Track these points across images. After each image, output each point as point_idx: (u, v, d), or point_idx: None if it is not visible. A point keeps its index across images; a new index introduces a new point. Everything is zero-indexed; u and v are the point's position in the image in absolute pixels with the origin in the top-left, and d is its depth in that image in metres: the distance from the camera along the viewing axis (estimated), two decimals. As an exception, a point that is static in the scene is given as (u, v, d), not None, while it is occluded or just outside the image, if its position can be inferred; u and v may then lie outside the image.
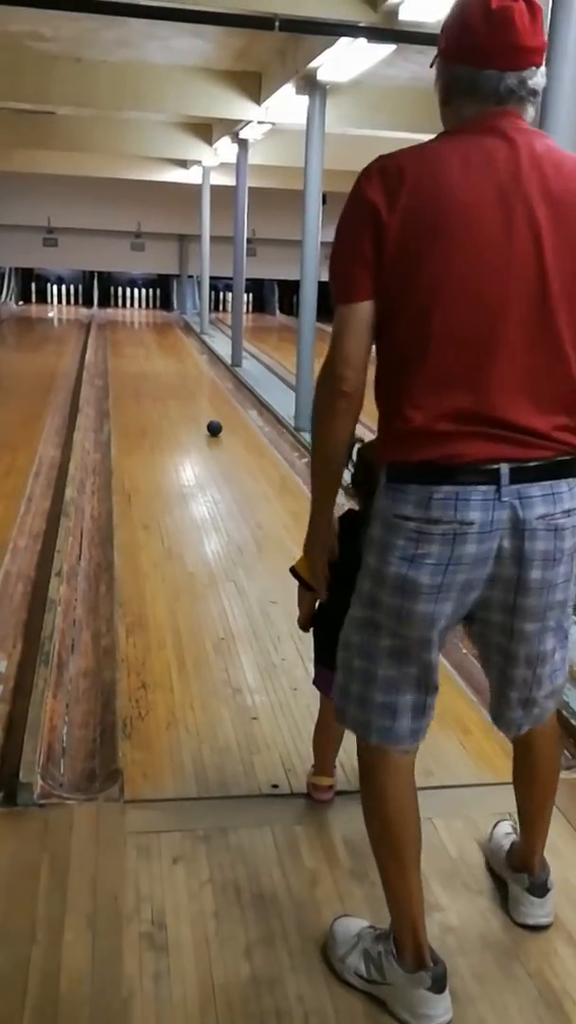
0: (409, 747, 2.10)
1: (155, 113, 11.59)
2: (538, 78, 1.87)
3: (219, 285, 19.14)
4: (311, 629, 2.85)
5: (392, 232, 1.79)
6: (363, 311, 1.85)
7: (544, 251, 1.79)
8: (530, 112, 1.91)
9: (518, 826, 2.51)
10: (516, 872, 2.44)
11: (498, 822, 2.67)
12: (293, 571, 2.80)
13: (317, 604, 2.81)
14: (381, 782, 2.09)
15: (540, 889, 2.40)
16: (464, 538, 1.86)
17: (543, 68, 1.89)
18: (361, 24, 5.89)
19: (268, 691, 3.59)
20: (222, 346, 14.11)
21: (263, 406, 9.54)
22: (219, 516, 5.89)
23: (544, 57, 1.88)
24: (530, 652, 2.04)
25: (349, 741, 2.92)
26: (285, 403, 9.24)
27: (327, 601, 2.76)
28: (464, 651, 3.83)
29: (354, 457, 2.67)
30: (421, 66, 8.44)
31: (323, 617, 2.79)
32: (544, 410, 1.85)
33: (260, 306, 20.59)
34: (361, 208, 1.82)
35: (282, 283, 20.75)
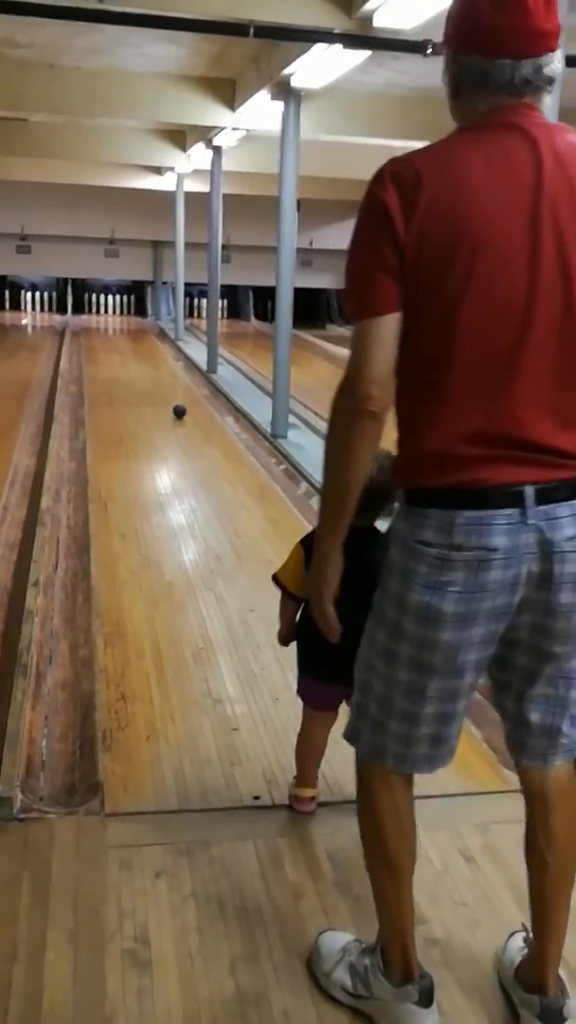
0: (422, 772, 2.04)
1: (129, 120, 11.59)
2: (555, 64, 1.72)
3: (193, 291, 19.13)
4: (295, 640, 2.83)
5: (410, 243, 1.67)
6: (389, 324, 1.72)
7: (570, 260, 1.68)
8: (547, 101, 1.76)
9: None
10: (527, 993, 2.08)
11: (513, 933, 2.33)
12: (276, 579, 2.79)
13: (299, 615, 2.80)
14: (381, 799, 2.04)
15: (554, 1018, 2.03)
16: (488, 564, 1.76)
17: (559, 53, 1.73)
18: (336, 31, 5.89)
19: (248, 701, 3.56)
20: (197, 352, 14.08)
21: (239, 413, 9.52)
22: (197, 524, 5.87)
23: (559, 41, 1.74)
24: (555, 672, 1.91)
25: (331, 752, 2.92)
26: (261, 410, 9.23)
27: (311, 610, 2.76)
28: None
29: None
30: (396, 72, 8.50)
31: (306, 628, 2.77)
32: (569, 428, 1.75)
33: (235, 312, 20.58)
34: (377, 215, 1.70)
35: (256, 289, 20.76)
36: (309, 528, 5.78)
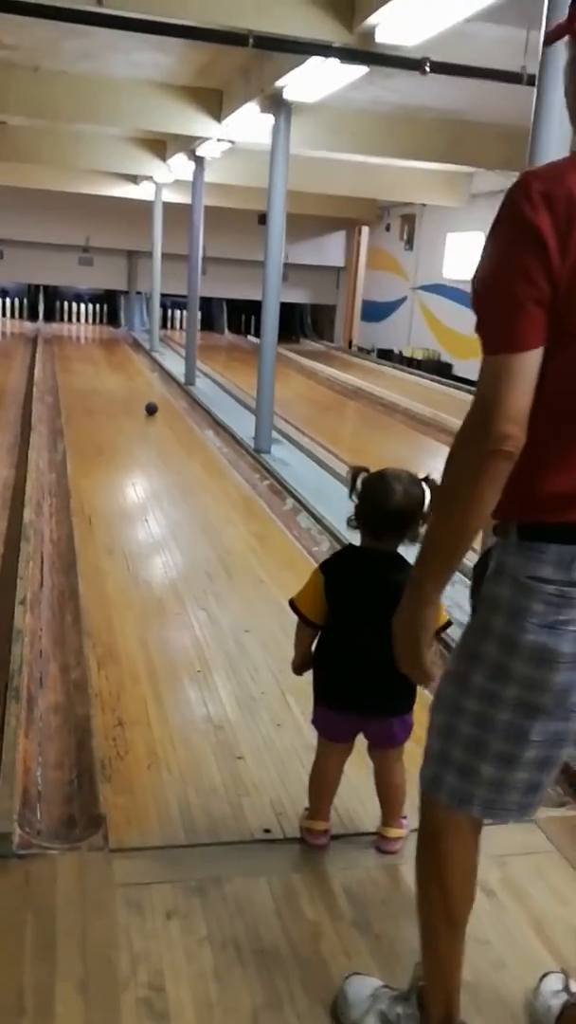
0: (508, 821, 1.92)
1: (112, 127, 11.46)
2: None
3: (167, 302, 18.98)
4: (310, 669, 2.72)
5: (564, 277, 1.54)
6: (534, 359, 1.57)
7: None
8: None
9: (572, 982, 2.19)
10: None
11: (546, 974, 2.23)
12: (293, 605, 2.68)
13: (315, 643, 2.69)
14: (449, 847, 1.90)
15: None
16: None
17: None
18: (335, 44, 5.82)
19: (251, 727, 3.44)
20: (173, 364, 13.96)
21: (219, 426, 9.40)
22: (183, 539, 5.74)
23: None
24: None
25: (344, 788, 2.82)
26: (242, 424, 9.13)
27: (330, 638, 2.65)
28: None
29: (359, 487, 2.57)
30: (384, 90, 8.46)
31: (324, 656, 2.67)
32: None
33: (208, 324, 20.43)
34: (527, 239, 1.54)
35: (230, 302, 20.68)
36: (298, 546, 5.76)
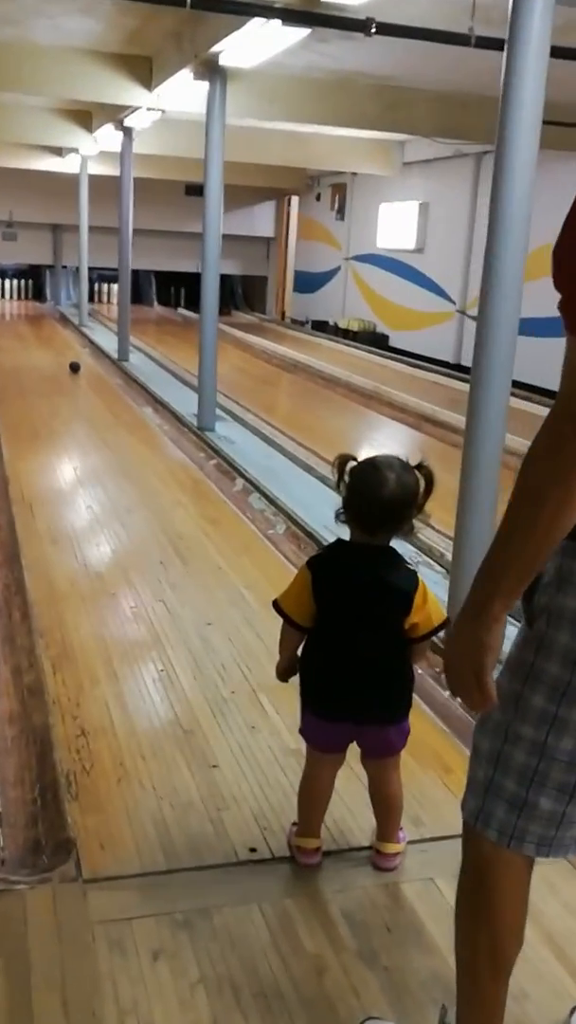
0: (562, 856, 1.71)
1: (36, 96, 10.96)
2: None
3: (94, 276, 18.47)
4: (295, 675, 2.51)
5: None
6: None
7: None
8: None
9: None
10: None
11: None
12: (277, 606, 2.47)
13: (302, 646, 2.48)
14: (498, 888, 1.70)
15: None
16: None
17: None
18: (277, 4, 5.53)
19: (223, 731, 3.23)
20: (104, 339, 13.55)
21: (158, 403, 9.10)
22: (134, 526, 5.48)
23: None
24: None
25: (333, 799, 2.62)
26: (182, 401, 8.85)
27: (319, 641, 2.44)
28: (430, 679, 3.55)
29: (346, 478, 2.35)
30: (318, 55, 8.16)
31: (311, 660, 2.46)
32: None
33: (137, 297, 19.91)
34: None
35: (158, 274, 20.21)
36: (253, 528, 5.54)
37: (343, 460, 2.36)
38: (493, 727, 1.65)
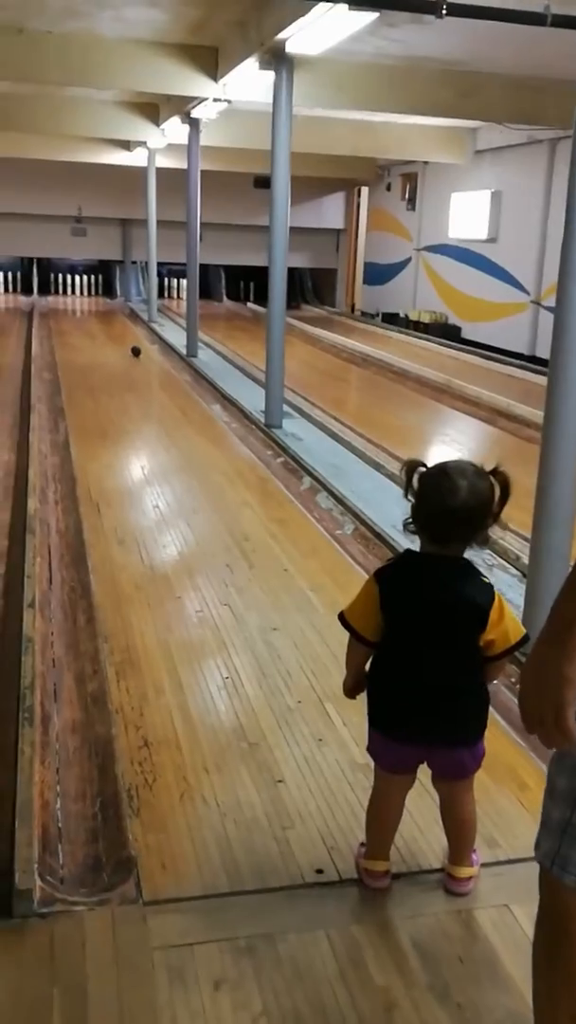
0: None
1: (103, 90, 10.98)
2: None
3: (163, 271, 18.51)
4: (363, 692, 2.39)
5: None
6: None
7: None
8: None
9: None
10: None
11: None
12: (343, 619, 2.35)
13: (370, 662, 2.36)
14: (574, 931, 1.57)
15: None
16: None
17: None
18: (344, -12, 5.40)
19: (289, 743, 3.12)
20: (173, 335, 13.54)
21: (227, 400, 9.03)
22: (200, 527, 5.40)
23: None
24: None
25: (406, 824, 2.50)
26: (250, 397, 8.76)
27: (387, 657, 2.32)
28: (505, 689, 3.40)
29: (415, 485, 2.22)
30: (387, 40, 8.00)
31: (380, 677, 2.34)
32: None
33: (206, 292, 19.90)
34: None
35: (228, 268, 20.18)
36: (320, 529, 5.42)
37: (412, 466, 2.22)
38: (572, 765, 1.51)
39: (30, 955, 2.17)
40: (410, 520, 2.24)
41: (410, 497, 2.23)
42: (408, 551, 2.33)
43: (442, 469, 2.19)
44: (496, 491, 2.19)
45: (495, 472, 2.20)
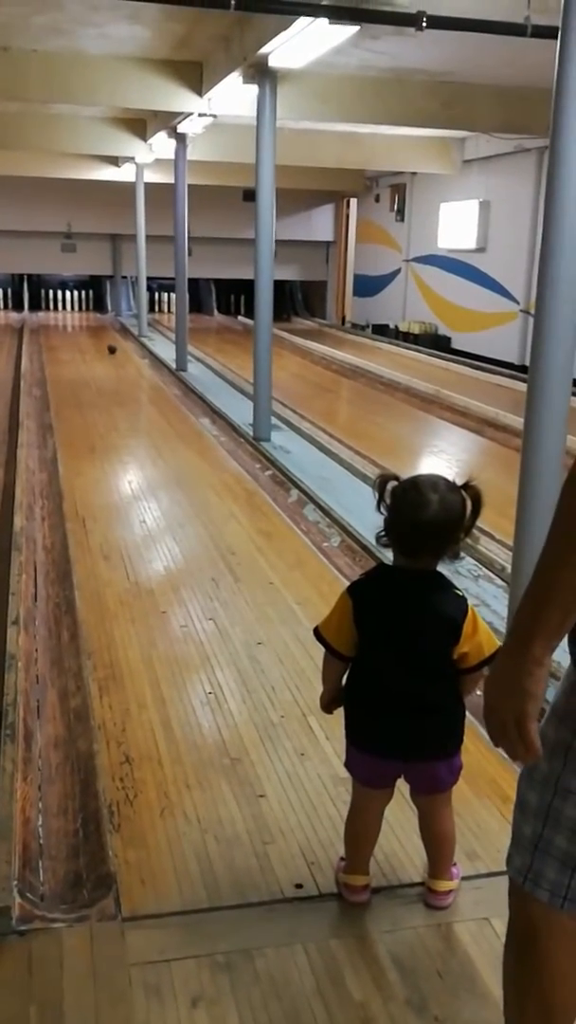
0: None
1: (89, 106, 11.04)
2: None
3: (153, 285, 18.56)
4: (340, 707, 2.39)
5: None
6: None
7: None
8: None
9: None
10: None
11: None
12: (318, 634, 2.35)
13: (346, 677, 2.36)
14: (550, 952, 1.55)
15: None
16: None
17: None
18: (324, 2, 5.43)
19: (272, 758, 3.12)
20: (163, 349, 13.56)
21: (215, 413, 9.04)
22: (186, 541, 5.40)
23: None
24: None
25: (385, 837, 2.50)
26: (239, 410, 8.78)
27: (362, 671, 2.32)
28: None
29: (387, 499, 2.22)
30: (371, 53, 8.04)
31: (356, 692, 2.34)
32: None
33: (196, 306, 19.96)
34: None
35: (218, 282, 20.23)
36: (306, 541, 5.42)
37: (383, 480, 2.23)
38: (541, 779, 1.51)
39: (7, 973, 2.16)
40: (383, 533, 2.25)
41: (383, 510, 2.24)
42: (381, 564, 2.34)
43: (413, 482, 2.20)
44: (468, 505, 2.19)
45: (467, 486, 2.21)
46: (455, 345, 14.48)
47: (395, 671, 2.24)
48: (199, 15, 7.00)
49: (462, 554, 2.24)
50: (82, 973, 2.17)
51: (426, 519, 2.14)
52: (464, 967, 2.23)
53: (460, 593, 2.25)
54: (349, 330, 18.42)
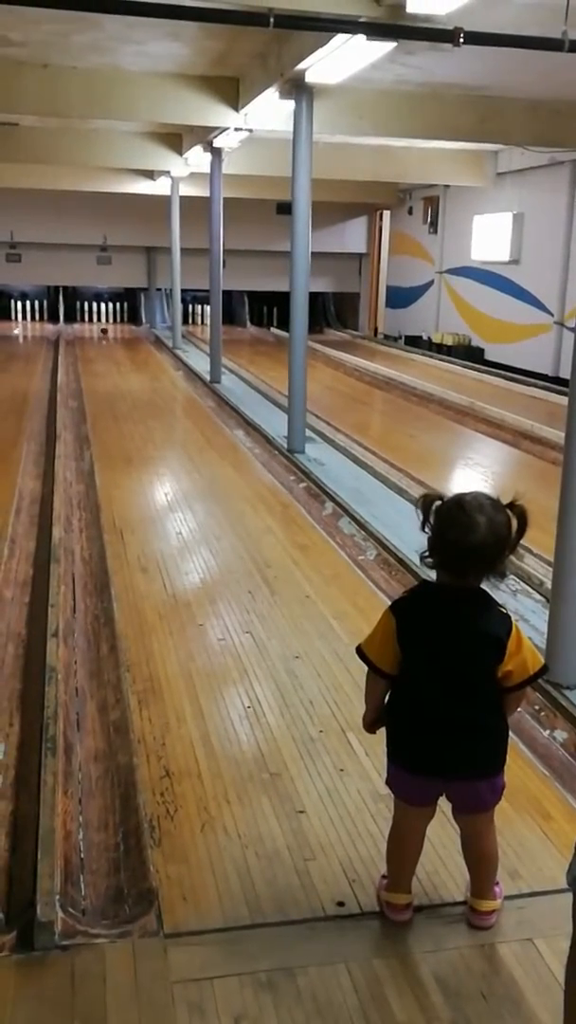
0: None
1: (127, 122, 11.13)
2: None
3: (187, 298, 18.68)
4: (383, 726, 2.39)
5: None
6: None
7: None
8: None
9: None
10: None
11: None
12: (360, 653, 2.35)
13: (388, 696, 2.35)
14: None
15: None
16: None
17: None
18: (362, 19, 5.44)
19: (311, 773, 3.11)
20: (197, 361, 13.62)
21: (250, 426, 9.06)
22: (223, 554, 5.41)
23: None
24: None
25: (428, 856, 2.49)
26: (273, 422, 8.79)
27: (405, 690, 2.31)
28: (529, 717, 3.38)
29: (431, 519, 2.21)
30: (407, 67, 8.07)
31: (398, 711, 2.33)
32: None
33: (230, 318, 20.04)
34: None
35: (251, 294, 20.31)
36: (342, 555, 5.42)
37: (428, 500, 2.21)
38: None
39: (51, 988, 2.18)
40: (426, 553, 2.24)
41: (427, 530, 2.22)
42: (424, 582, 2.33)
43: (459, 504, 2.17)
44: (513, 524, 2.18)
45: (512, 505, 2.19)
46: (488, 356, 14.43)
47: (438, 689, 2.23)
48: (237, 33, 7.05)
49: (508, 573, 2.23)
50: (125, 990, 2.18)
51: (475, 543, 2.13)
52: (508, 989, 2.21)
53: (504, 611, 2.24)
54: (382, 341, 18.41)
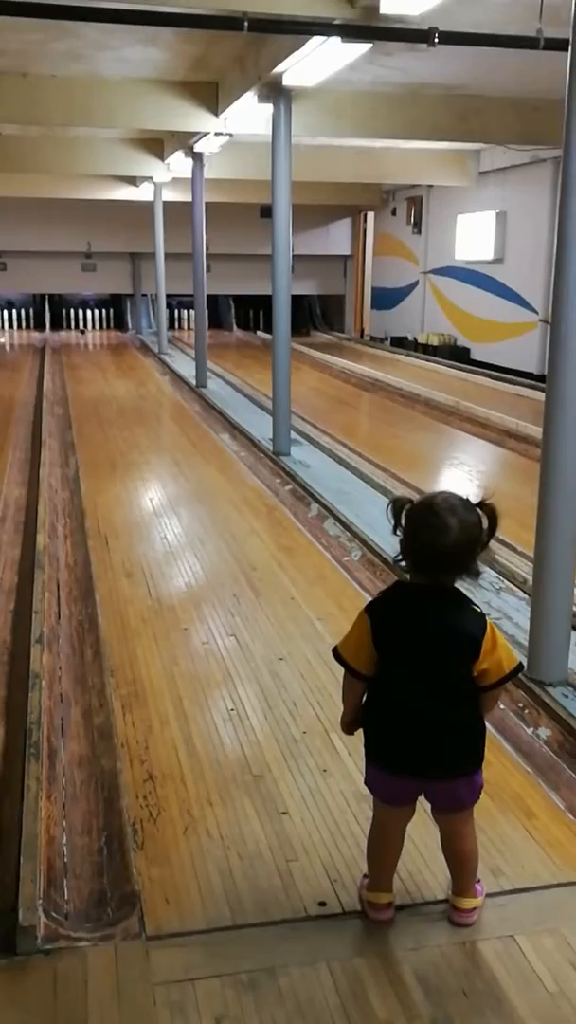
0: None
1: (107, 129, 11.13)
2: None
3: (173, 303, 18.68)
4: (360, 728, 2.39)
5: None
6: None
7: None
8: None
9: None
10: None
11: None
12: (336, 654, 2.36)
13: (365, 697, 2.36)
14: None
15: None
16: None
17: None
18: (336, 21, 5.46)
19: (294, 775, 3.12)
20: (183, 366, 13.63)
21: (236, 429, 9.07)
22: (207, 558, 5.41)
23: None
24: None
25: (409, 854, 2.49)
26: (259, 426, 8.80)
27: (381, 690, 2.32)
28: (513, 715, 3.40)
29: (403, 522, 2.22)
30: (385, 69, 8.08)
31: (375, 712, 2.34)
32: None
33: (216, 322, 20.05)
34: None
35: (237, 298, 20.32)
36: (327, 556, 5.43)
37: (399, 504, 2.22)
38: None
39: (33, 993, 2.18)
40: (399, 556, 2.24)
41: (398, 533, 2.23)
42: (399, 583, 2.34)
43: (429, 507, 2.17)
44: (484, 523, 2.19)
45: (482, 504, 2.20)
46: (474, 356, 14.46)
47: (414, 689, 2.24)
48: (214, 37, 7.05)
49: (482, 571, 2.23)
50: (107, 992, 2.18)
51: (447, 544, 2.13)
52: (490, 986, 2.22)
53: (479, 609, 2.25)
54: (368, 343, 18.44)
